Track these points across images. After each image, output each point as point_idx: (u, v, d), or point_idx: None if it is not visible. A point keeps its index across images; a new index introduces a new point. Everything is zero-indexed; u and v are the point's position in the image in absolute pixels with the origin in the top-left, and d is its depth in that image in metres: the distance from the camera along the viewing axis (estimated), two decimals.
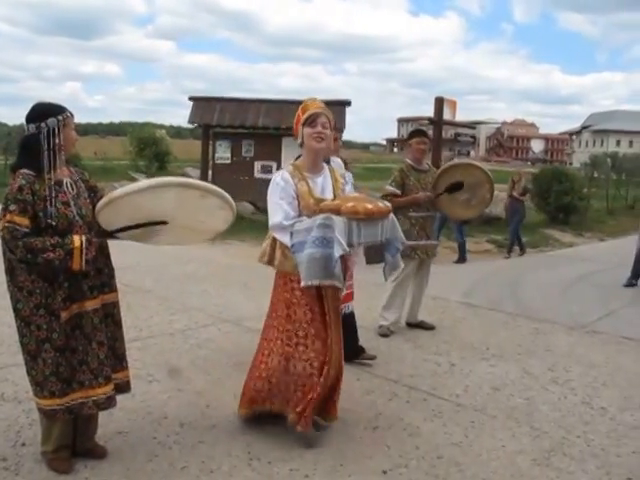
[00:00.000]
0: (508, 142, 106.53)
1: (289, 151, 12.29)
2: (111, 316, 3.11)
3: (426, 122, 13.17)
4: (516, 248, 11.23)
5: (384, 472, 3.17)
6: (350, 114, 12.75)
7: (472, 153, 14.44)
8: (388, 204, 3.38)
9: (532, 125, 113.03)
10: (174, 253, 9.56)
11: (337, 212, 3.14)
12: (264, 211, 12.74)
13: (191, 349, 4.98)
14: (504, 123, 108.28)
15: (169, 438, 3.43)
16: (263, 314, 5.97)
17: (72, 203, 2.91)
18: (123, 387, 3.18)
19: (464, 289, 7.77)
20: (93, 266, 2.93)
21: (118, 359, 3.15)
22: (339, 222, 3.10)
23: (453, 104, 13.77)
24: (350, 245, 3.16)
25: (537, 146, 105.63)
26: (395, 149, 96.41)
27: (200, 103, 12.62)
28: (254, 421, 3.60)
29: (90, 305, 2.96)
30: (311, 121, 3.34)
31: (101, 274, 3.04)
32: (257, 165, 12.34)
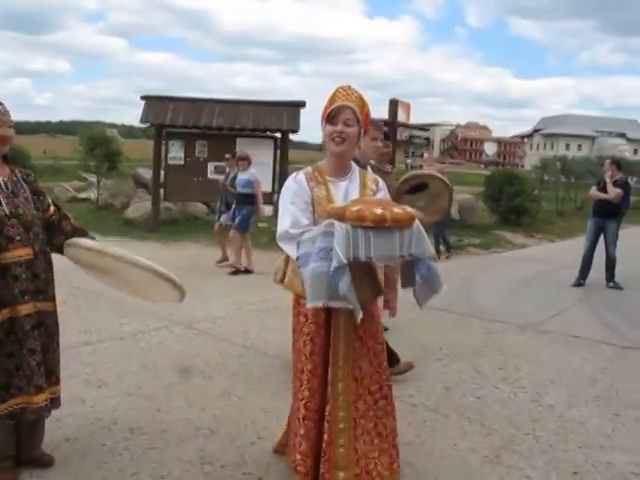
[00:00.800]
0: (462, 144, 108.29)
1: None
2: (44, 326, 2.94)
3: (381, 124, 13.25)
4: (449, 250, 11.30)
5: None
6: (305, 115, 12.76)
7: (426, 155, 14.60)
8: (411, 210, 2.65)
9: (485, 128, 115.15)
10: None
11: (341, 217, 2.53)
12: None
13: (142, 353, 4.90)
14: (458, 126, 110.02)
15: (119, 444, 3.36)
16: (215, 317, 6.01)
17: (3, 202, 2.81)
18: (53, 403, 3.00)
19: None
20: (27, 269, 2.83)
21: (47, 374, 2.93)
22: (340, 229, 2.48)
23: (407, 106, 13.91)
24: (356, 259, 2.49)
25: (490, 149, 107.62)
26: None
27: (152, 102, 12.43)
28: (206, 424, 3.57)
29: (23, 310, 2.82)
30: (333, 116, 2.77)
31: (37, 279, 2.90)
32: (210, 166, 12.22)
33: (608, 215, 8.56)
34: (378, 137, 4.55)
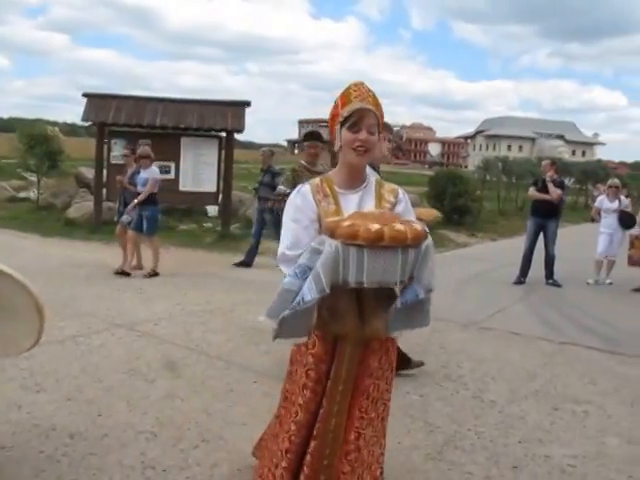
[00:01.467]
0: (407, 145, 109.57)
1: (188, 152, 12.08)
2: None
3: (325, 124, 13.31)
4: None
5: None
6: (251, 115, 12.77)
7: None
8: (419, 226, 2.22)
9: (430, 129, 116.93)
10: (65, 256, 9.16)
11: (332, 234, 2.15)
12: (162, 212, 12.40)
13: (82, 356, 4.77)
14: (403, 127, 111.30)
15: (57, 451, 3.26)
16: (157, 318, 5.91)
17: None
18: None
19: None
20: None
21: None
22: (329, 248, 2.11)
23: None
24: (345, 284, 2.15)
25: (434, 149, 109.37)
26: (296, 150, 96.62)
27: (95, 100, 12.15)
28: (148, 428, 3.50)
29: None
30: (354, 122, 2.36)
31: None
32: (154, 165, 12.02)
33: (548, 215, 8.80)
34: (386, 137, 4.47)
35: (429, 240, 2.23)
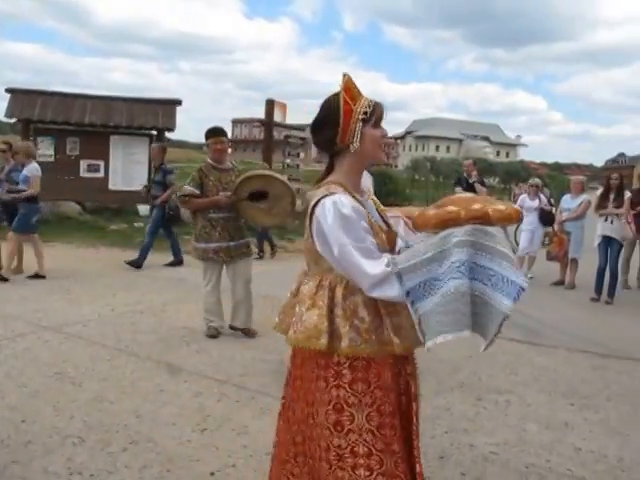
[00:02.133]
0: None
1: (118, 150, 11.84)
2: None
3: (258, 124, 13.31)
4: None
5: (212, 474, 3.14)
6: (184, 113, 12.69)
7: (302, 155, 14.77)
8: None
9: None
10: None
11: (486, 220, 1.87)
12: (92, 211, 12.17)
13: (6, 360, 4.62)
14: None
15: None
16: (86, 320, 5.78)
17: None
18: None
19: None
20: None
21: None
22: (499, 233, 1.86)
23: (283, 107, 14.04)
24: None
25: None
26: (229, 150, 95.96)
27: (19, 96, 11.76)
28: (75, 432, 3.43)
29: None
30: (379, 118, 2.15)
31: None
32: (83, 164, 11.76)
33: None
34: None
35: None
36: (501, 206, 1.94)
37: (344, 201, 1.99)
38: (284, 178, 5.60)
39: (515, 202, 11.09)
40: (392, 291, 1.91)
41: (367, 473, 2.00)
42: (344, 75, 2.15)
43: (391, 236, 2.17)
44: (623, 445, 3.75)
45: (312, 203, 2.05)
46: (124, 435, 3.49)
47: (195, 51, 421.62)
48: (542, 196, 10.17)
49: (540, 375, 4.92)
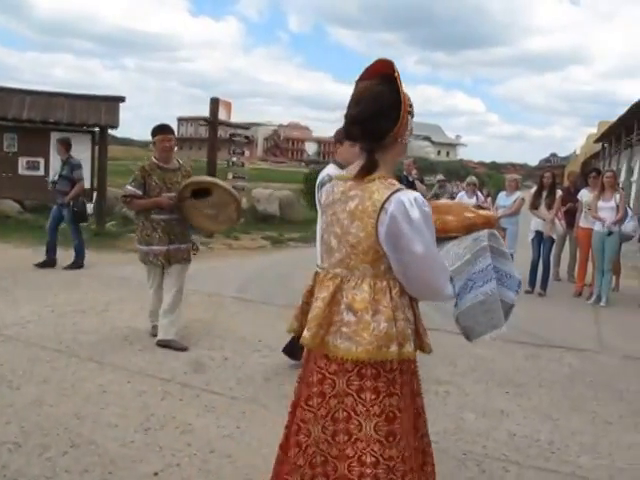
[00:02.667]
0: (284, 144, 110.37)
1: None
2: None
3: (203, 122, 13.22)
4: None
5: (155, 474, 3.13)
6: (128, 111, 12.53)
7: (247, 153, 14.74)
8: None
9: (307, 128, 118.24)
10: None
11: (490, 225, 2.17)
12: (32, 210, 11.84)
13: None
14: (280, 126, 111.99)
15: None
16: (25, 321, 5.65)
17: None
18: None
19: (238, 284, 8.00)
20: None
21: None
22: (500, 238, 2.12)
23: (228, 105, 13.97)
24: None
25: (311, 148, 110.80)
26: (175, 148, 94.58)
27: None
28: (11, 438, 3.37)
29: None
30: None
31: None
32: (22, 161, 11.40)
33: None
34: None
35: None
36: (482, 212, 2.18)
37: (423, 199, 1.96)
38: (228, 185, 5.47)
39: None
40: (451, 291, 2.05)
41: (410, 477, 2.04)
42: (392, 62, 2.01)
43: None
44: (554, 429, 3.94)
45: (379, 199, 1.93)
46: (64, 439, 3.44)
47: (140, 48, 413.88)
48: (479, 194, 10.46)
49: (477, 365, 5.09)
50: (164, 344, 5.10)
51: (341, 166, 4.37)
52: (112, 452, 3.31)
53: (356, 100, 2.03)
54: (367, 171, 2.02)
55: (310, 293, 2.19)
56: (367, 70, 2.05)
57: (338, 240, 2.05)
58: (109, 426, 3.62)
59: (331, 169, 4.38)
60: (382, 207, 1.92)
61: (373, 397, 1.98)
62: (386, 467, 1.96)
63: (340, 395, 2.02)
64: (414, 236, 1.90)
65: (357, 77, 2.08)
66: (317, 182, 4.46)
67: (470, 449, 3.60)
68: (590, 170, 9.90)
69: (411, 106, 2.03)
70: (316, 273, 2.19)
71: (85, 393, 4.10)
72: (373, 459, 1.96)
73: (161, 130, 5.20)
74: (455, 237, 2.16)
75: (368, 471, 1.96)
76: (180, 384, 4.34)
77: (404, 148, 2.09)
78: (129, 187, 5.07)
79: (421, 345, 2.10)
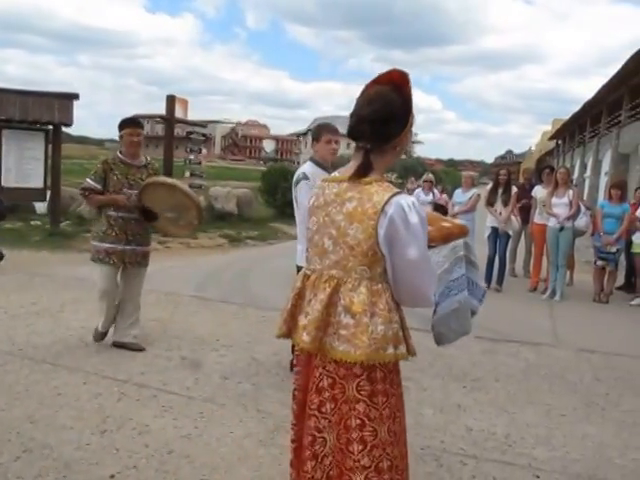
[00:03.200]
0: (242, 142, 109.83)
1: (11, 145, 11.24)
2: None
3: (159, 120, 13.07)
4: None
5: (112, 476, 3.07)
6: (83, 108, 12.33)
7: (204, 151, 14.64)
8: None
9: (265, 126, 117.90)
10: None
11: (464, 234, 2.24)
12: None
13: None
14: (238, 123, 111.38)
15: None
16: None
17: None
18: None
19: (196, 283, 7.93)
20: None
21: None
22: (475, 257, 2.23)
23: (185, 103, 13.85)
24: None
25: (269, 146, 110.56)
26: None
27: None
28: None
29: None
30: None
31: None
32: None
33: None
34: (332, 140, 4.41)
35: None
36: (457, 222, 2.25)
37: (418, 204, 2.00)
38: (190, 190, 5.23)
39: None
40: (433, 298, 2.08)
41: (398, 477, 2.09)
42: (407, 74, 2.09)
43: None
44: (510, 422, 4.01)
45: (379, 201, 1.96)
46: (17, 443, 3.34)
47: (95, 44, 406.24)
48: (435, 191, 10.59)
49: (435, 361, 5.14)
50: (119, 345, 5.02)
51: (319, 164, 4.37)
52: (67, 456, 3.24)
53: (368, 101, 2.07)
54: (363, 172, 2.04)
55: (299, 296, 2.18)
56: (381, 76, 2.11)
57: (334, 242, 2.05)
58: (64, 429, 3.54)
59: (308, 167, 4.37)
60: (382, 209, 1.95)
61: (383, 400, 2.01)
62: (395, 468, 2.03)
63: (351, 401, 2.02)
64: (410, 240, 1.93)
65: (369, 81, 2.14)
66: (293, 180, 4.45)
67: (428, 444, 3.63)
68: (543, 167, 10.11)
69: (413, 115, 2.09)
70: (305, 275, 2.18)
71: (39, 396, 4.00)
72: (388, 463, 2.01)
73: (129, 123, 4.96)
74: (434, 246, 2.19)
75: (386, 477, 2.01)
76: (137, 385, 4.28)
77: (398, 156, 2.15)
78: (89, 180, 4.84)
79: (407, 347, 2.10)
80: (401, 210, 1.93)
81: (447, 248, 2.11)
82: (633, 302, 8.29)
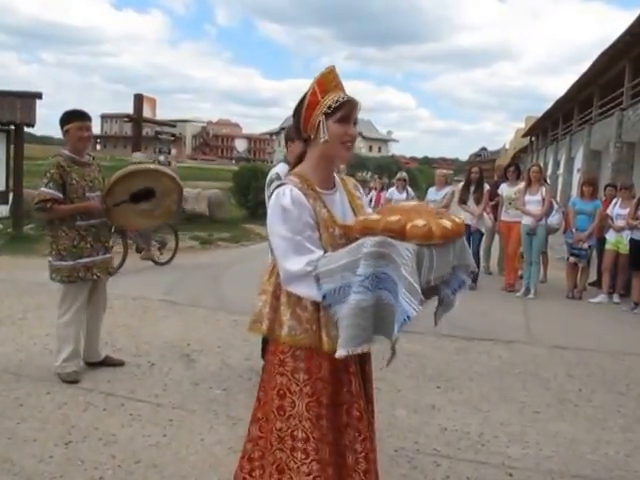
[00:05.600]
0: (214, 141, 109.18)
1: None
2: None
3: (126, 119, 12.87)
4: None
5: None
6: (47, 108, 12.03)
7: (173, 151, 14.46)
8: (460, 218, 2.16)
9: (236, 125, 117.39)
10: None
11: (400, 235, 1.89)
12: None
13: None
14: (209, 122, 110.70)
15: None
16: None
17: None
18: None
19: (165, 287, 7.79)
20: None
21: None
22: (406, 252, 1.85)
23: (152, 102, 13.68)
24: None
25: (241, 145, 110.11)
26: (98, 146, 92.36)
27: None
28: None
29: None
30: (345, 115, 2.12)
31: None
32: None
33: None
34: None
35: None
36: (447, 222, 1.95)
37: (287, 193, 2.06)
38: (172, 172, 4.90)
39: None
40: (308, 290, 2.02)
41: (303, 457, 2.11)
42: (329, 66, 2.18)
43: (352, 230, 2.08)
44: (483, 421, 3.98)
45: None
46: None
47: (59, 41, 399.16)
48: (409, 189, 10.59)
49: (409, 361, 5.11)
50: (97, 364, 4.66)
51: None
52: (29, 469, 3.12)
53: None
54: (293, 165, 2.25)
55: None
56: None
57: None
58: (26, 442, 3.42)
59: (280, 167, 4.29)
60: (269, 196, 2.19)
61: (271, 370, 2.23)
62: (277, 436, 2.17)
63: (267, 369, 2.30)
64: (270, 227, 2.11)
65: None
66: (266, 180, 4.38)
67: (402, 445, 3.59)
68: (508, 165, 10.16)
69: (330, 107, 2.09)
70: None
71: (0, 408, 3.86)
72: (270, 427, 2.22)
73: (77, 116, 4.37)
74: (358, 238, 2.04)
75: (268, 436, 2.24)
76: (103, 393, 4.16)
77: (332, 149, 2.12)
78: (46, 190, 4.17)
79: (319, 339, 2.08)
80: (272, 200, 2.11)
81: (355, 243, 1.96)
82: (594, 300, 8.32)
